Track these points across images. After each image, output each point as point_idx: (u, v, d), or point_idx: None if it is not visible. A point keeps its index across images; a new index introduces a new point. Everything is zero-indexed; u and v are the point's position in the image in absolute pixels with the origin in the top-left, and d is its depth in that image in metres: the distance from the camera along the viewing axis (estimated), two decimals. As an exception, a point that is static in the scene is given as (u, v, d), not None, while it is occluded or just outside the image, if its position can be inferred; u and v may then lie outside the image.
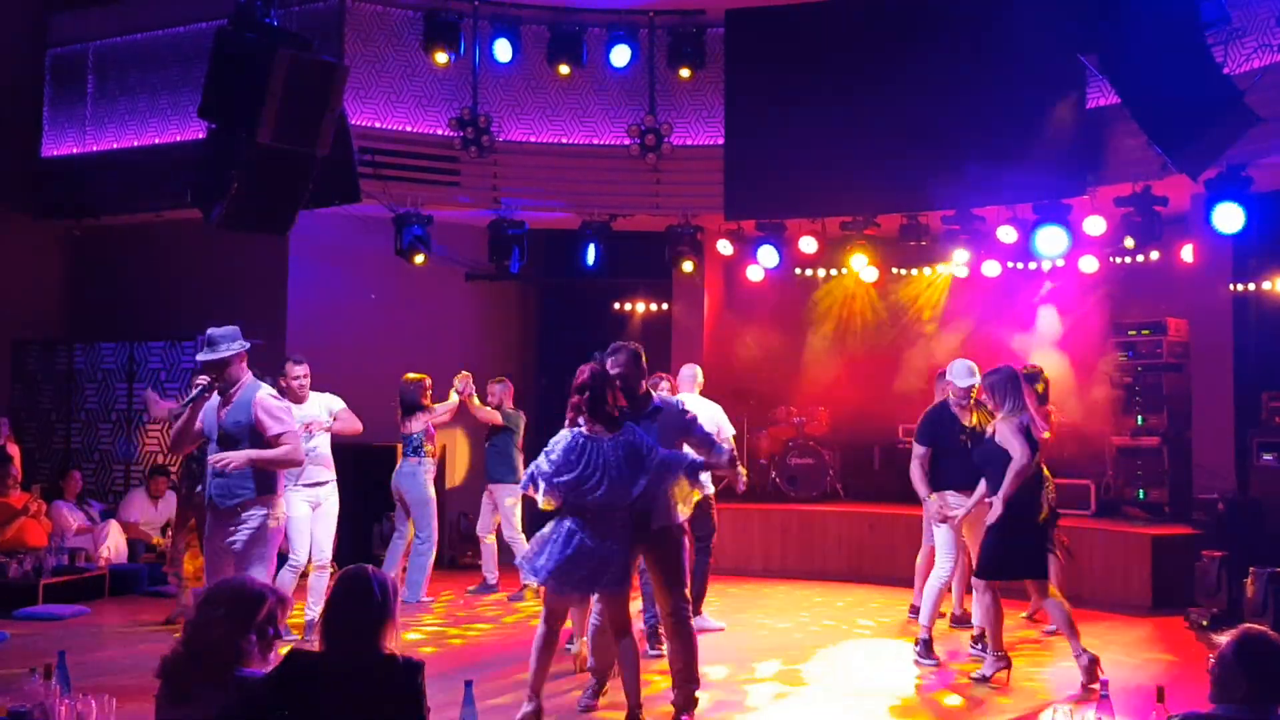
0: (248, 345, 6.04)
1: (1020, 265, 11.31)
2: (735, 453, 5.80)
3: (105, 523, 9.95)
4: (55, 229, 11.82)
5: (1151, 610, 8.88)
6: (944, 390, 7.50)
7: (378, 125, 10.45)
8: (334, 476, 7.93)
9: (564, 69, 10.65)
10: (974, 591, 7.07)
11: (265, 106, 6.07)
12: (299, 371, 7.81)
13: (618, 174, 10.96)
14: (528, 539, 9.36)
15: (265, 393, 6.05)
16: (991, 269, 11.03)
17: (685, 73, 10.68)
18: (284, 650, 3.29)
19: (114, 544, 9.73)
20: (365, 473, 9.83)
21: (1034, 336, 11.12)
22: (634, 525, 5.45)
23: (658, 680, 6.33)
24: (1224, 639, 3.22)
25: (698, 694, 5.76)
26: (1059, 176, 9.51)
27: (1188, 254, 10.09)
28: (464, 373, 9.39)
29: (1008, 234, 10.06)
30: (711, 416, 7.68)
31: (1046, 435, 7.17)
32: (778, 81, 10.56)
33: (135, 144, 11.27)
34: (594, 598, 5.84)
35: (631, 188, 11.00)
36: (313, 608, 7.65)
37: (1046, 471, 7.87)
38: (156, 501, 10.42)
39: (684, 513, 5.71)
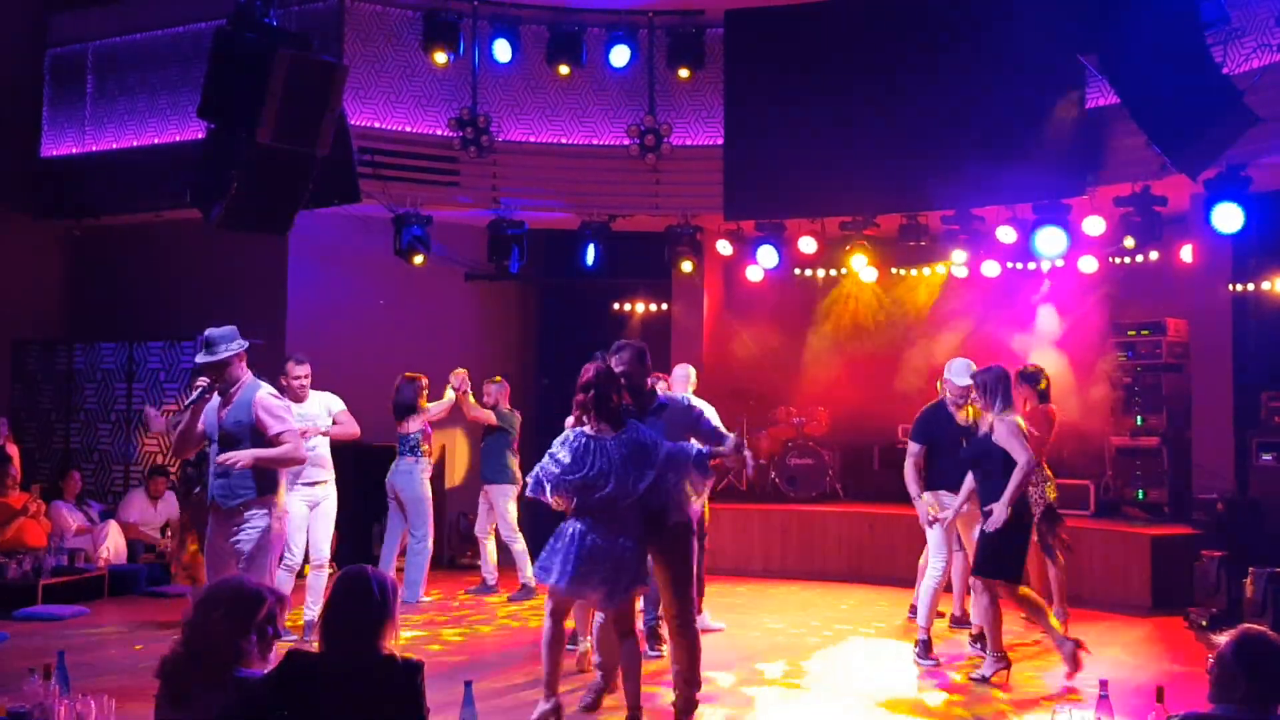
0: (246, 345, 6.04)
1: (1020, 265, 11.30)
2: (741, 439, 5.78)
3: (104, 523, 9.95)
4: (55, 229, 11.83)
5: (1151, 610, 8.88)
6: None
7: (377, 125, 10.45)
8: (332, 476, 7.92)
9: (563, 69, 10.65)
10: (973, 592, 7.08)
11: (265, 106, 6.08)
12: (300, 371, 7.81)
13: (617, 174, 10.96)
14: (525, 539, 9.45)
15: (265, 392, 6.05)
16: (991, 269, 11.03)
17: (685, 73, 10.68)
18: (284, 650, 3.28)
19: (113, 544, 9.73)
20: (365, 473, 9.83)
21: (1033, 337, 11.12)
22: (647, 522, 5.44)
23: (658, 685, 6.33)
24: (1223, 639, 3.22)
25: (698, 696, 5.75)
26: (1058, 176, 9.51)
27: (1187, 254, 10.09)
28: (459, 370, 9.39)
29: (1007, 234, 10.05)
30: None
31: (1035, 433, 7.15)
32: (777, 82, 10.56)
33: (135, 144, 11.28)
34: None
35: (631, 188, 11.00)
36: (312, 607, 7.64)
37: (1049, 471, 7.90)
38: (156, 502, 10.42)
39: (697, 505, 5.70)
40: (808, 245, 11.04)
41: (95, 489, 11.06)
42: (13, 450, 10.06)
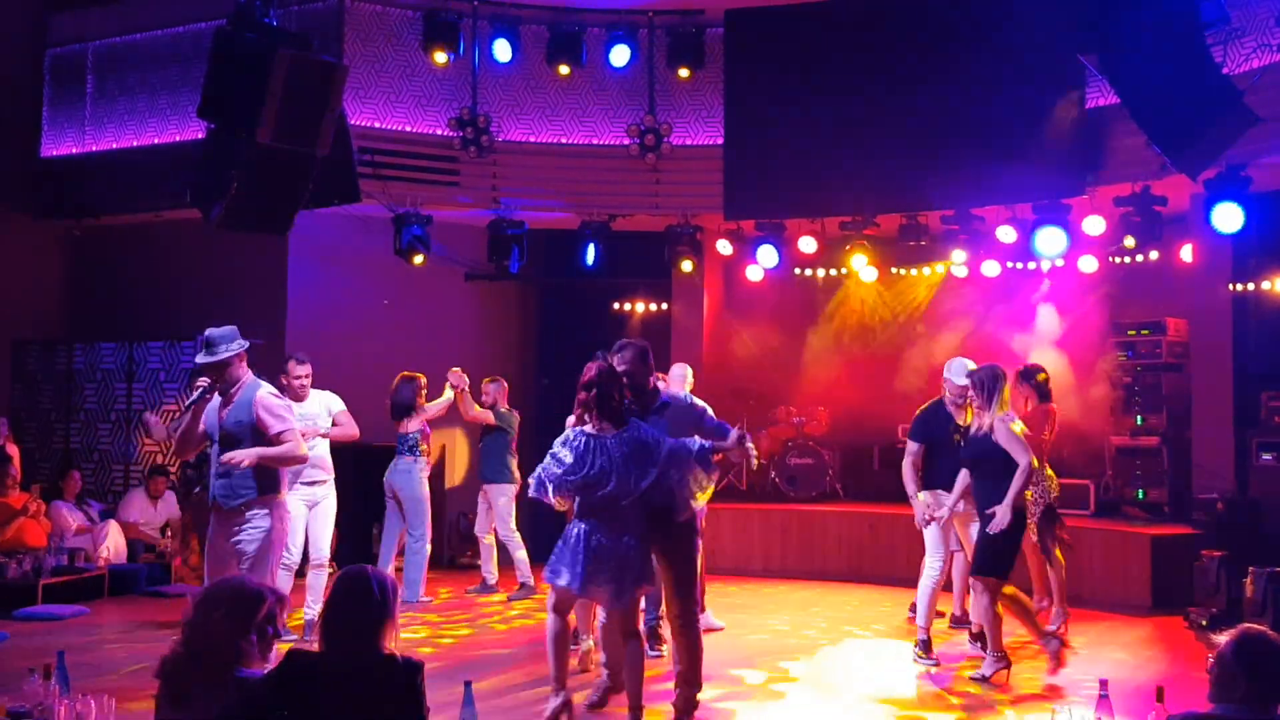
0: (246, 345, 6.03)
1: (1020, 265, 11.30)
2: (744, 431, 5.77)
3: (104, 523, 9.94)
4: (55, 229, 11.82)
5: (1151, 610, 8.87)
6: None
7: (377, 125, 10.44)
8: (331, 476, 7.92)
9: (563, 69, 10.65)
10: (972, 592, 7.07)
11: (265, 106, 6.08)
12: (301, 371, 7.81)
13: (617, 174, 10.96)
14: (524, 538, 9.45)
15: (265, 391, 6.04)
16: (991, 269, 11.03)
17: (684, 73, 10.68)
18: (284, 650, 3.28)
19: (113, 544, 9.72)
20: (365, 473, 9.82)
21: (1033, 336, 11.13)
22: (651, 521, 5.43)
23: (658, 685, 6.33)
24: (1223, 639, 3.22)
25: (699, 696, 5.75)
26: (1058, 176, 9.51)
27: (1187, 254, 10.09)
28: (456, 369, 9.38)
29: (1007, 234, 10.06)
30: None
31: (1032, 434, 7.14)
32: (777, 81, 10.56)
33: (135, 144, 11.27)
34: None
35: (631, 188, 11.00)
36: (312, 607, 7.64)
37: (1050, 471, 7.90)
38: (156, 502, 10.42)
39: (701, 501, 5.70)
40: (808, 245, 11.05)
41: (95, 489, 11.06)
42: (13, 450, 10.06)
